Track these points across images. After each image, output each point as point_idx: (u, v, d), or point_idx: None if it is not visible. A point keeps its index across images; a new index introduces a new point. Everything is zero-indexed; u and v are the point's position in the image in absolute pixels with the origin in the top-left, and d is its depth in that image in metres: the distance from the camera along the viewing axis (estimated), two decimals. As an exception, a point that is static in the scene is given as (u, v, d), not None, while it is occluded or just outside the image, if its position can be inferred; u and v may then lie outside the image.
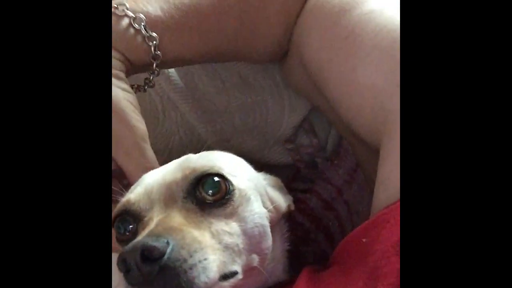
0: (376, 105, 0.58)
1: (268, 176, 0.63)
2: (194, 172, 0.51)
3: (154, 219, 0.47)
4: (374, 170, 0.59)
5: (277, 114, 0.83)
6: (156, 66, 0.64)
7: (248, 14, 0.68)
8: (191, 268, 0.42)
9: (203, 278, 0.43)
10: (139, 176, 0.56)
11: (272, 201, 0.58)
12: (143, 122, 0.60)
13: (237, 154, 0.83)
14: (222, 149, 0.82)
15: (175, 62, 0.69)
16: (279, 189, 0.63)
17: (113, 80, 0.58)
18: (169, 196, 0.50)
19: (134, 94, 0.61)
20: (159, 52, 0.62)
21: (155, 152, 0.61)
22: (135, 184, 0.55)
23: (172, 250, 0.42)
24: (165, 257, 0.41)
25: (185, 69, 0.77)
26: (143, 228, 0.47)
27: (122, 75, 0.60)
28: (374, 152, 0.60)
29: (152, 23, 0.62)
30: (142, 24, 0.61)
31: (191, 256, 0.43)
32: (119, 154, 0.57)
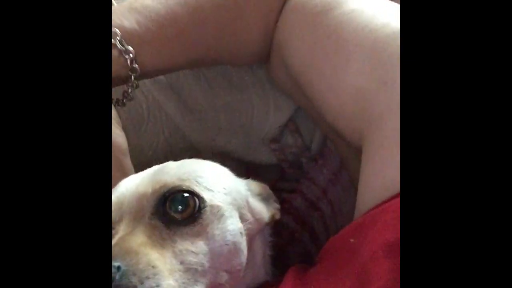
0: (358, 105, 0.58)
1: (254, 184, 0.61)
2: (164, 187, 0.49)
3: (118, 235, 0.47)
4: (358, 170, 0.59)
5: (262, 114, 0.83)
6: (135, 78, 0.63)
7: (226, 21, 0.68)
8: None
9: None
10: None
11: (253, 213, 0.57)
12: (123, 135, 0.60)
13: (223, 154, 0.84)
14: (207, 149, 0.83)
15: (156, 73, 0.69)
16: (266, 197, 0.61)
17: None
18: (138, 210, 0.49)
19: (114, 107, 0.61)
20: (136, 65, 0.62)
21: (140, 151, 0.61)
22: (113, 190, 0.53)
23: (122, 276, 0.41)
24: (114, 284, 0.41)
25: (170, 69, 0.77)
26: None
27: None
28: (358, 152, 0.60)
29: (129, 36, 0.61)
30: (118, 38, 0.60)
31: (141, 283, 0.42)
32: None
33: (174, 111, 0.79)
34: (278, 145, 0.85)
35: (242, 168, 0.61)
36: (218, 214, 0.50)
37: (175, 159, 0.58)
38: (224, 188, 0.54)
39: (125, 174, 0.58)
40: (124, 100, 0.66)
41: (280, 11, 0.71)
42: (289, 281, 0.54)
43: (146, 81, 0.76)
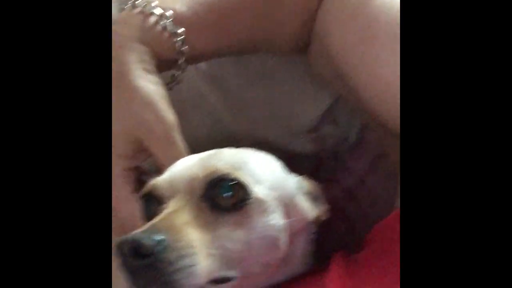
0: (399, 94, 0.59)
1: (304, 182, 0.61)
2: (215, 172, 0.51)
3: (167, 210, 0.49)
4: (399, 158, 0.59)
5: (301, 104, 0.84)
6: (183, 62, 0.65)
7: (267, 8, 0.70)
8: (176, 271, 0.44)
9: (185, 283, 0.44)
10: (170, 164, 0.58)
11: (298, 211, 0.57)
12: (173, 113, 0.62)
13: (262, 144, 0.85)
14: (246, 139, 0.85)
15: (201, 58, 0.71)
16: (315, 196, 0.62)
17: (144, 74, 0.60)
18: (188, 191, 0.51)
19: (164, 86, 0.63)
20: (185, 47, 0.64)
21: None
22: (168, 168, 0.56)
23: (162, 250, 0.44)
24: (153, 256, 0.43)
25: (212, 60, 0.79)
26: (159, 214, 0.49)
27: (153, 69, 0.62)
28: (398, 139, 0.61)
29: (178, 19, 0.64)
30: (169, 21, 0.63)
31: (179, 260, 0.44)
32: (152, 143, 0.60)
33: (216, 101, 0.81)
34: (316, 135, 0.86)
35: (281, 158, 0.62)
36: (262, 208, 0.52)
37: (216, 149, 0.60)
38: (273, 183, 0.55)
39: (178, 151, 0.60)
40: (173, 83, 0.68)
41: (320, 1, 0.71)
42: (334, 268, 0.55)
43: (188, 71, 0.78)
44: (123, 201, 0.60)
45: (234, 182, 0.51)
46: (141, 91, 0.59)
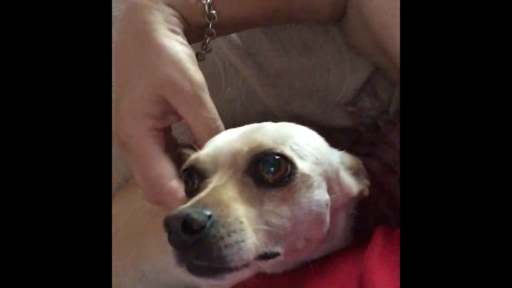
0: None
1: (346, 157, 0.60)
2: (259, 147, 0.50)
3: (212, 184, 0.49)
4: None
5: (338, 77, 0.82)
6: (212, 27, 0.63)
7: None
8: (225, 247, 0.43)
9: (235, 258, 0.44)
10: (200, 127, 0.57)
11: (341, 187, 0.56)
12: (201, 73, 0.60)
13: (298, 117, 0.84)
14: (282, 113, 0.84)
15: (232, 25, 0.68)
16: (356, 171, 0.60)
17: (170, 34, 0.59)
18: (232, 166, 0.51)
19: (191, 48, 0.61)
20: (214, 11, 0.62)
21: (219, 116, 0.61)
22: (208, 143, 0.56)
23: (212, 225, 0.43)
24: (203, 231, 0.43)
25: (246, 33, 0.78)
26: (203, 189, 0.49)
27: (179, 30, 0.60)
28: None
29: None
30: None
31: (229, 236, 0.44)
32: (180, 104, 0.58)
33: (250, 76, 0.80)
34: (355, 108, 0.84)
35: (318, 131, 0.60)
36: (307, 183, 0.51)
37: (252, 123, 0.59)
38: (317, 158, 0.54)
39: (208, 112, 0.58)
40: (203, 52, 0.66)
41: None
42: (374, 243, 0.54)
43: (223, 45, 0.77)
44: (152, 161, 0.58)
45: (279, 157, 0.50)
46: (167, 49, 0.57)
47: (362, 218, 0.63)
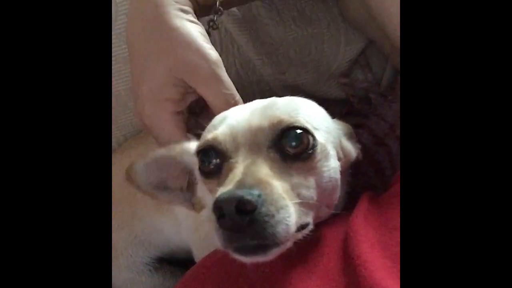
0: None
1: (341, 123, 0.62)
2: (280, 123, 0.51)
3: (241, 165, 0.49)
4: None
5: (332, 48, 0.83)
6: (220, 4, 0.64)
7: None
8: (276, 224, 0.44)
9: (284, 233, 0.45)
10: (220, 104, 0.57)
11: (344, 152, 0.58)
12: (215, 50, 0.60)
13: (292, 87, 0.85)
14: (277, 82, 0.84)
15: (237, 1, 0.69)
16: (350, 137, 0.62)
17: (181, 14, 0.59)
18: (254, 143, 0.51)
19: (202, 25, 0.62)
20: None
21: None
22: (217, 121, 0.55)
23: (262, 205, 0.44)
24: (256, 211, 0.43)
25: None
26: (230, 169, 0.49)
27: (189, 9, 0.61)
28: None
29: None
30: None
31: (278, 213, 0.45)
32: (198, 83, 0.58)
33: (246, 43, 0.80)
34: (348, 80, 0.85)
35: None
36: (325, 152, 0.53)
37: (246, 92, 0.59)
38: (327, 127, 0.56)
39: (226, 87, 0.59)
40: (210, 30, 0.66)
41: None
42: (364, 203, 0.57)
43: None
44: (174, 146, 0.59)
45: (302, 131, 0.51)
46: (180, 30, 0.58)
47: (353, 186, 0.65)
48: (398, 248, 0.47)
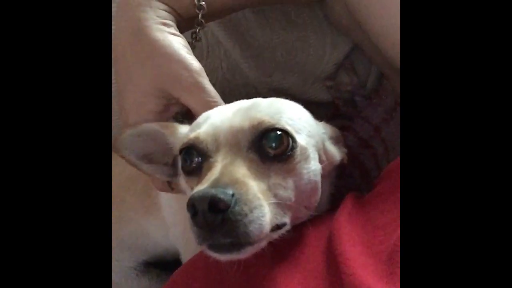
0: None
1: (327, 127, 0.63)
2: (261, 124, 0.51)
3: (219, 164, 0.49)
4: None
5: (318, 51, 0.84)
6: (202, 17, 0.64)
7: None
8: (249, 223, 0.45)
9: (257, 233, 0.46)
10: (203, 111, 0.58)
11: (327, 156, 0.59)
12: (197, 60, 0.61)
13: (278, 90, 0.86)
14: (263, 85, 0.85)
15: (222, 12, 0.69)
16: (336, 140, 0.63)
17: (163, 27, 0.60)
18: (234, 143, 0.52)
19: (184, 38, 0.62)
20: (203, 2, 0.63)
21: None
22: (201, 120, 0.56)
23: (236, 204, 0.45)
24: (229, 210, 0.44)
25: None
26: (209, 168, 0.50)
27: (171, 23, 0.61)
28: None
29: None
30: None
31: (251, 212, 0.45)
32: (181, 92, 0.59)
33: (232, 47, 0.81)
34: (333, 83, 0.86)
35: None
36: (305, 155, 0.53)
37: (233, 95, 0.60)
38: (309, 131, 0.56)
39: (209, 96, 0.59)
40: (193, 42, 0.67)
41: None
42: (348, 203, 0.58)
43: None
44: None
45: (281, 132, 0.51)
46: (161, 43, 0.59)
47: (338, 188, 0.66)
48: (381, 247, 0.48)
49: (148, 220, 0.81)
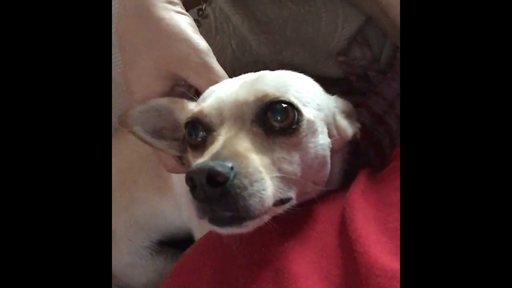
0: None
1: (339, 101, 0.61)
2: (265, 97, 0.51)
3: (222, 137, 0.49)
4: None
5: (330, 26, 0.81)
6: None
7: None
8: (249, 196, 0.45)
9: (258, 206, 0.45)
10: None
11: (339, 130, 0.58)
12: (204, 39, 0.60)
13: (289, 66, 0.84)
14: (274, 62, 0.83)
15: None
16: (349, 115, 0.62)
17: (168, 6, 0.59)
18: (239, 116, 0.51)
19: (190, 16, 0.61)
20: None
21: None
22: (207, 94, 0.56)
23: (235, 177, 0.44)
24: (228, 183, 0.44)
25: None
26: (212, 142, 0.49)
27: (177, 1, 0.60)
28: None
29: None
30: None
31: (251, 186, 0.45)
32: (189, 73, 0.58)
33: (241, 23, 0.79)
34: (346, 58, 0.84)
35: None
36: (312, 129, 0.52)
37: (243, 73, 0.59)
38: (318, 104, 0.55)
39: (217, 76, 0.59)
40: (200, 19, 0.66)
41: None
42: (361, 180, 0.57)
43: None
44: None
45: (286, 105, 0.51)
46: (167, 21, 0.58)
47: (353, 163, 0.65)
48: (395, 224, 0.47)
49: (160, 200, 0.82)
